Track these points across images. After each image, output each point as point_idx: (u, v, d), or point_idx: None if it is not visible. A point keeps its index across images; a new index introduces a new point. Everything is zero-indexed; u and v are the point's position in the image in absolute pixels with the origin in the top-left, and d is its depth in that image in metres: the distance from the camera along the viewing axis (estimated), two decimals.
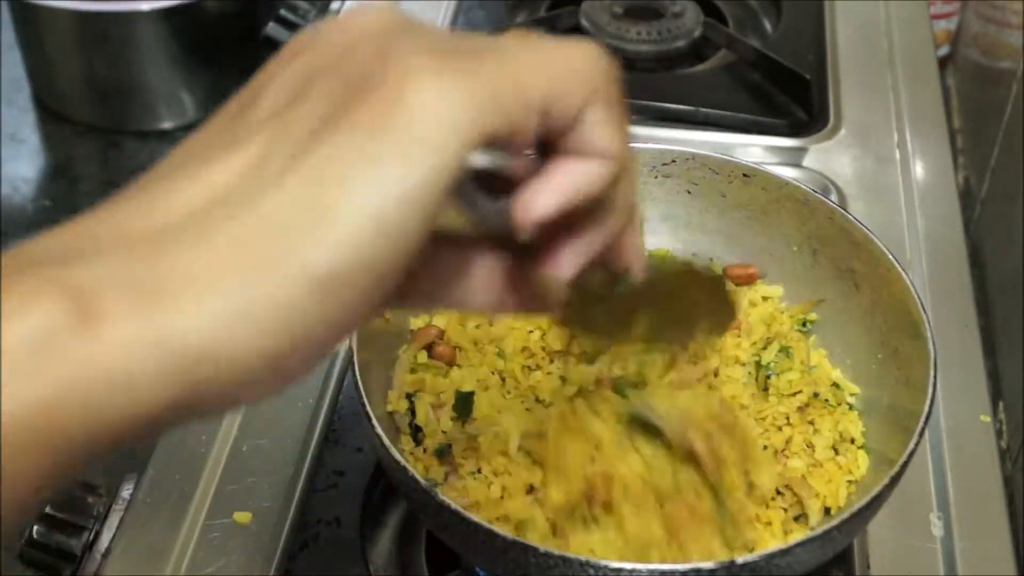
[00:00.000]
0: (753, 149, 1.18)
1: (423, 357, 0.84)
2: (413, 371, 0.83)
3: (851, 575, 0.84)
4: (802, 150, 1.18)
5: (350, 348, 0.76)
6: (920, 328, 0.77)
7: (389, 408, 0.81)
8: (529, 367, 0.85)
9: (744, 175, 0.88)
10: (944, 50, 1.56)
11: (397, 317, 0.84)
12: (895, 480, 0.71)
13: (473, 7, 1.33)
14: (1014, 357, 1.08)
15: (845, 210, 0.85)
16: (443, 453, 0.78)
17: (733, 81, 1.26)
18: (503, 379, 0.84)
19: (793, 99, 1.23)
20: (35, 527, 0.83)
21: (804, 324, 0.87)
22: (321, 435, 0.91)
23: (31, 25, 1.60)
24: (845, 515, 0.69)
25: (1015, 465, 1.03)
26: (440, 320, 0.86)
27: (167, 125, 1.64)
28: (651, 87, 1.24)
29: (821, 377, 0.83)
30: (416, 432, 0.81)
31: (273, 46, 1.46)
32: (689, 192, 0.90)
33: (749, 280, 0.89)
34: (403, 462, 0.70)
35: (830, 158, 1.17)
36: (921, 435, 0.72)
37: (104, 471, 1.26)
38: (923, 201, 1.12)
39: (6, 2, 1.63)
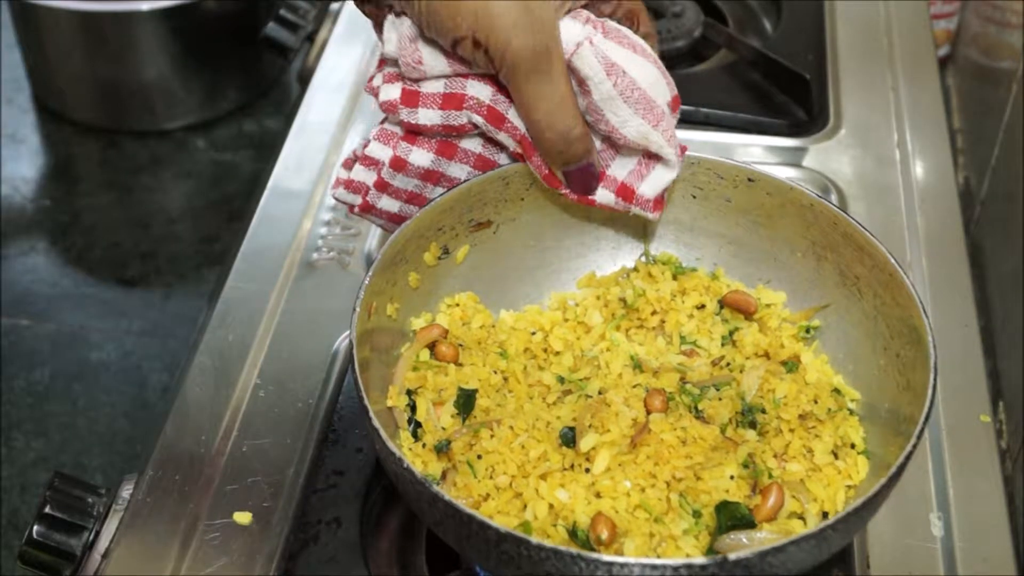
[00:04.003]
0: (753, 149, 1.18)
1: (425, 356, 0.84)
2: (415, 369, 0.83)
3: (851, 575, 0.84)
4: (802, 150, 1.18)
5: (350, 345, 0.76)
6: (922, 334, 0.77)
7: (389, 403, 0.81)
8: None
9: (749, 179, 0.88)
10: (944, 50, 1.56)
11: (400, 316, 0.84)
12: (892, 481, 0.71)
13: None
14: (1014, 357, 1.08)
15: (849, 215, 0.84)
16: (442, 449, 0.78)
17: (733, 81, 1.26)
18: (505, 378, 0.84)
19: (793, 99, 1.23)
20: (35, 527, 0.83)
21: (807, 330, 0.87)
22: (321, 435, 0.91)
23: (31, 25, 1.60)
24: (841, 514, 0.69)
25: (1015, 465, 1.03)
26: (443, 319, 0.86)
27: (167, 125, 1.64)
28: None
29: (822, 384, 0.83)
30: (416, 429, 0.81)
31: (273, 46, 1.46)
32: (694, 196, 0.90)
33: (748, 308, 0.88)
34: (399, 454, 0.70)
35: (830, 158, 1.17)
36: (919, 438, 0.71)
37: (104, 471, 1.26)
38: (923, 201, 1.12)
39: (6, 2, 1.63)
